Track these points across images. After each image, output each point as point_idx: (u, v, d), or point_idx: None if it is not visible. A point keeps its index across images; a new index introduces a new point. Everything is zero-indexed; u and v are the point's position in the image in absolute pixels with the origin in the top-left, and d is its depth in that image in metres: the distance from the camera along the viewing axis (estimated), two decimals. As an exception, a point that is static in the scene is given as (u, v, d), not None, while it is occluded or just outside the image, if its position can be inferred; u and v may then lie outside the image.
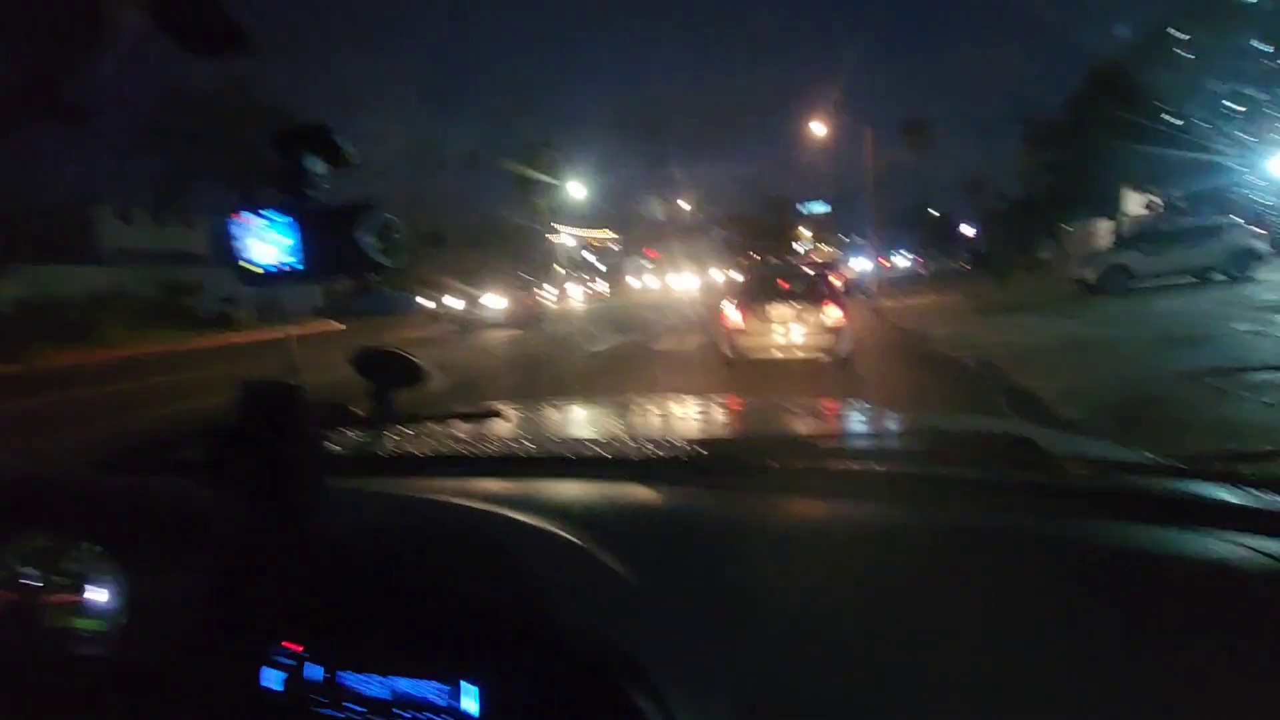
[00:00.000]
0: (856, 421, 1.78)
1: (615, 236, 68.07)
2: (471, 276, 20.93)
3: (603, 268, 65.07)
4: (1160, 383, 5.89)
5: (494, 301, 19.85)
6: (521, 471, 1.04)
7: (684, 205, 62.92)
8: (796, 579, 0.72)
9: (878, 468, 0.95)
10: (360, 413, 0.95)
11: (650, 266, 55.35)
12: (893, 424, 1.69)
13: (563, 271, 52.56)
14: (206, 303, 26.58)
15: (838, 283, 8.94)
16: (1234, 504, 0.83)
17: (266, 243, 0.69)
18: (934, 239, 54.24)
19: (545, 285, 29.40)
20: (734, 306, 7.70)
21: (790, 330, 7.46)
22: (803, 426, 1.67)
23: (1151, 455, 1.13)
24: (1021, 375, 6.68)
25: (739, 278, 11.85)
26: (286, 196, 0.69)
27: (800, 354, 7.46)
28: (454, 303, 20.82)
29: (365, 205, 0.68)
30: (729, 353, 7.78)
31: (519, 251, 45.69)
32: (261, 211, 0.70)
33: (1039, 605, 0.65)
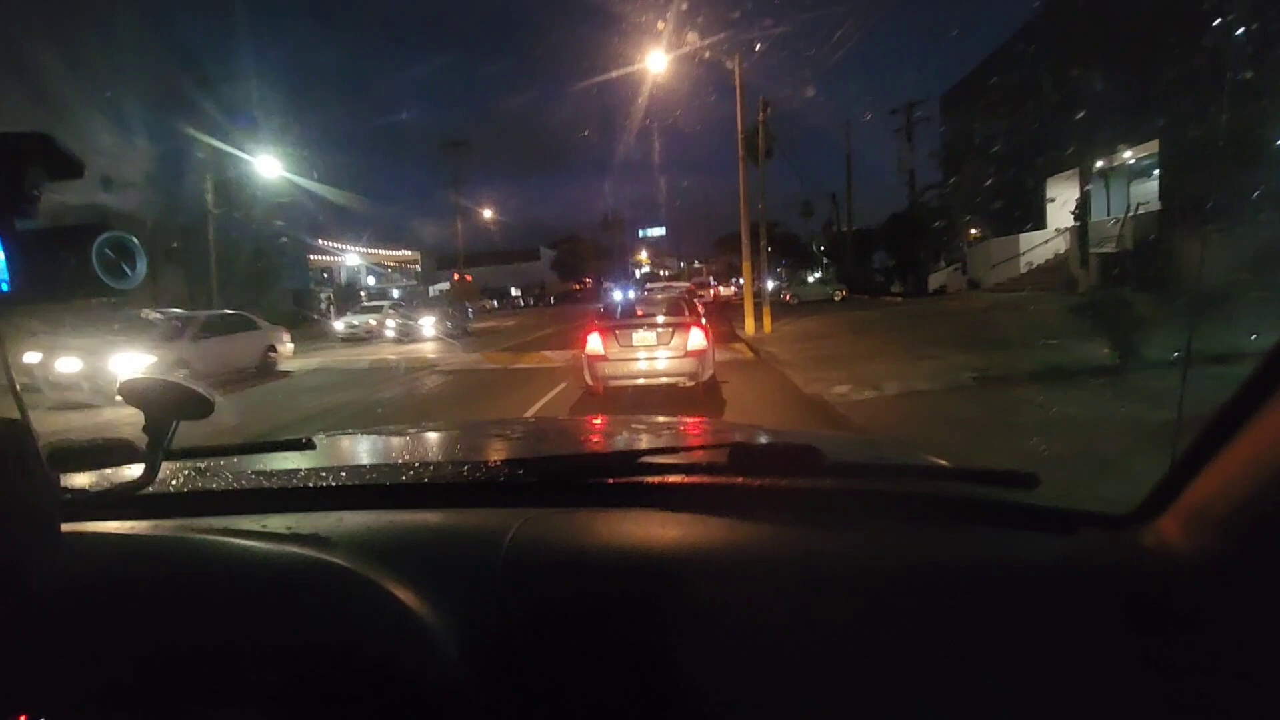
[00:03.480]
0: (663, 436, 1.83)
1: (413, 256, 54.45)
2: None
3: (395, 294, 51.41)
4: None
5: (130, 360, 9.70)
6: (308, 504, 0.99)
7: (502, 221, 51.69)
8: (586, 595, 0.74)
9: (675, 480, 0.98)
10: (138, 447, 0.87)
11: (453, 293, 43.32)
12: (697, 437, 1.76)
13: (324, 301, 38.98)
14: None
15: (700, 308, 9.06)
16: (989, 502, 0.94)
17: None
18: (798, 261, 47.29)
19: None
20: (596, 334, 7.56)
21: (653, 356, 7.37)
22: (605, 443, 1.78)
23: (933, 459, 1.29)
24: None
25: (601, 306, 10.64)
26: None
27: (662, 380, 7.43)
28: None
29: (91, 225, 0.62)
30: (590, 380, 7.65)
31: (273, 275, 32.89)
32: None
33: (814, 597, 0.72)
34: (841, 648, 0.68)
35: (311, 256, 46.73)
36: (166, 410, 0.83)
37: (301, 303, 37.31)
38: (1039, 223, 23.05)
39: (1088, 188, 19.63)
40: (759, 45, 15.76)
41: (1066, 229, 22.30)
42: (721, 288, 55.18)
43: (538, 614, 0.73)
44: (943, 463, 1.24)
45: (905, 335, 12.45)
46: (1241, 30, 13.84)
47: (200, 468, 1.15)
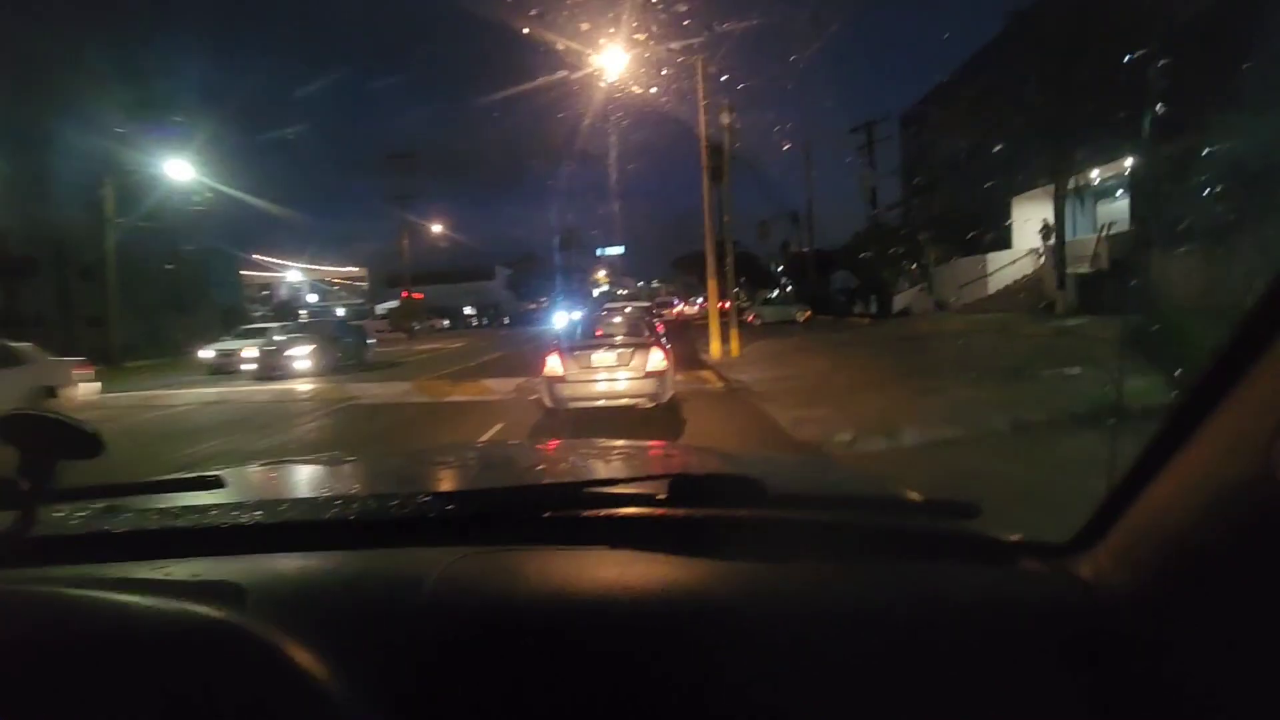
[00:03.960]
0: (606, 465, 1.79)
1: (361, 273, 51.91)
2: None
3: (340, 312, 48.75)
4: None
5: None
6: (215, 548, 0.91)
7: (458, 240, 49.84)
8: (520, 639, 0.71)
9: (615, 513, 0.95)
10: (18, 486, 0.83)
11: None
12: (642, 466, 1.73)
13: (248, 326, 36.27)
14: None
15: (659, 328, 9.02)
16: (930, 533, 0.95)
17: None
18: (755, 280, 46.51)
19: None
20: (555, 354, 7.46)
21: (612, 377, 7.27)
22: (545, 473, 1.68)
23: (884, 484, 1.39)
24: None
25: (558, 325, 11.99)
26: None
27: (622, 401, 7.27)
28: None
29: None
30: (549, 402, 7.50)
31: (196, 291, 30.22)
32: None
33: (756, 636, 0.71)
34: (781, 687, 0.68)
35: (247, 272, 44.01)
36: (46, 449, 0.79)
37: (231, 322, 34.57)
38: (1004, 243, 22.52)
39: (1062, 202, 19.03)
40: (720, 57, 14.61)
41: (1035, 249, 21.79)
42: (685, 306, 54.20)
43: (458, 668, 0.69)
44: (890, 490, 1.33)
45: (889, 362, 11.22)
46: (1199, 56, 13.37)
47: (91, 509, 1.05)
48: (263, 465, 1.80)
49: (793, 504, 1.03)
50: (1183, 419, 0.69)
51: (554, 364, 7.30)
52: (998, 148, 22.25)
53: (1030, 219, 22.27)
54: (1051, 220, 21.63)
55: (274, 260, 48.31)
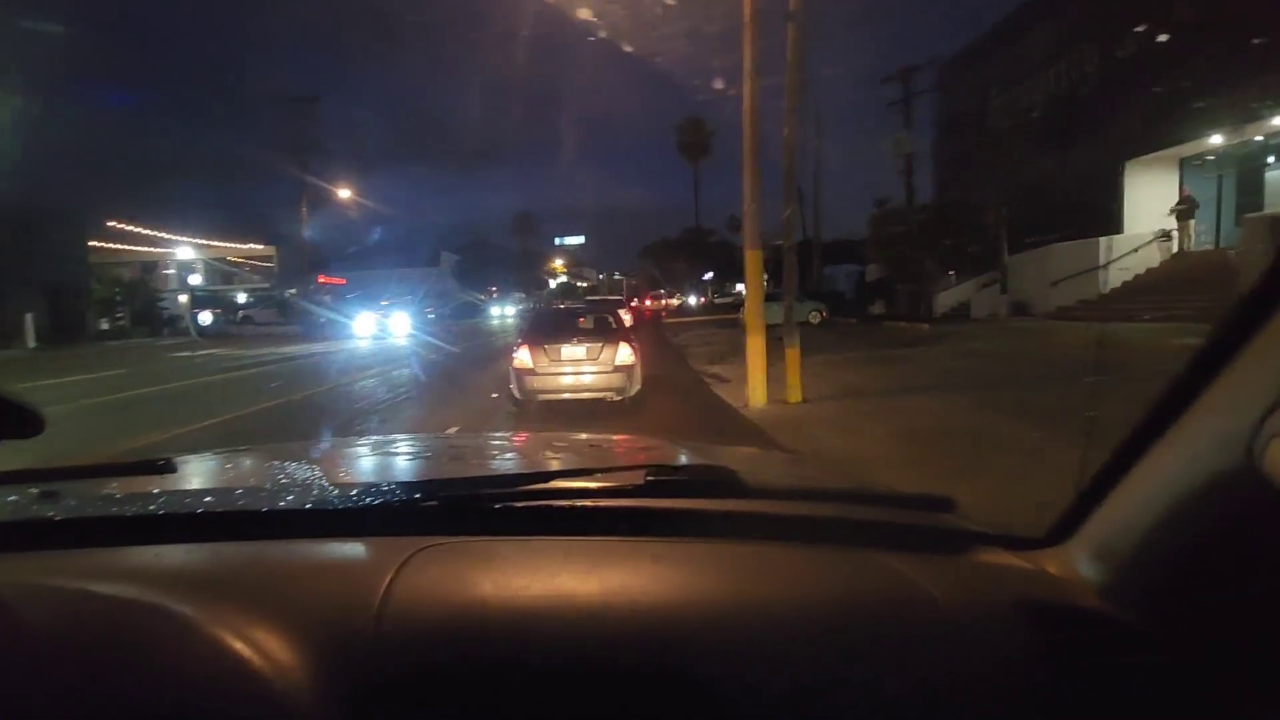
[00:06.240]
0: (577, 456, 1.73)
1: (268, 251, 43.30)
2: None
3: (242, 300, 40.32)
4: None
5: None
6: (164, 536, 0.85)
7: (398, 220, 42.11)
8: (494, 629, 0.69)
9: (586, 504, 0.93)
10: None
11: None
12: (614, 458, 1.71)
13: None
14: None
15: (628, 321, 8.94)
16: (903, 525, 0.92)
17: None
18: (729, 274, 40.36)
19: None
20: (524, 347, 7.39)
21: (580, 370, 7.24)
22: (515, 464, 1.66)
23: (858, 480, 1.40)
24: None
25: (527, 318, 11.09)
26: None
27: (589, 394, 7.28)
28: None
29: None
30: (518, 394, 7.42)
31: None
32: None
33: (729, 626, 0.70)
34: (755, 676, 0.67)
35: (114, 246, 35.18)
36: None
37: (61, 307, 26.16)
38: (1109, 223, 16.20)
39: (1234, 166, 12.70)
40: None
41: (1162, 233, 15.45)
42: (671, 299, 47.90)
43: (419, 658, 0.66)
44: (866, 485, 1.33)
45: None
46: None
47: (34, 493, 1.00)
48: (218, 452, 1.74)
49: (768, 496, 1.00)
50: (1161, 412, 0.70)
51: (523, 357, 7.25)
52: (1103, 91, 15.96)
53: (1154, 191, 15.92)
54: (1190, 192, 15.34)
55: (162, 235, 39.45)
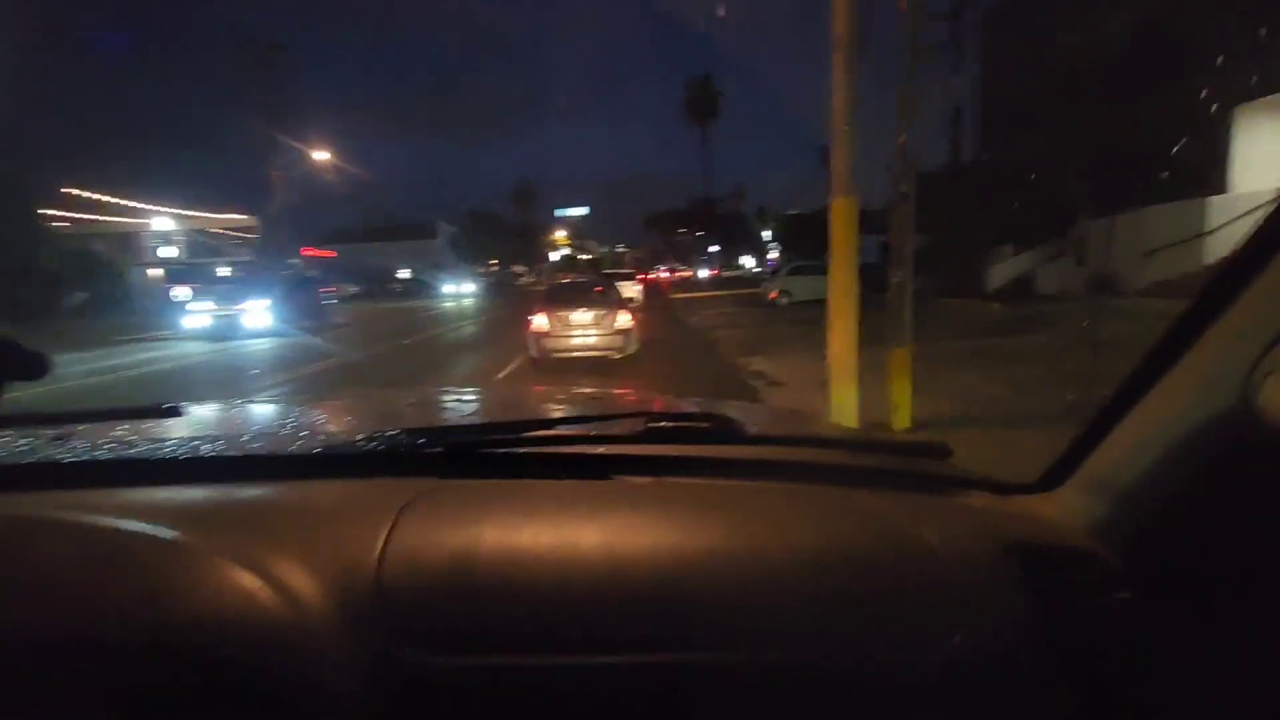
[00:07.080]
0: (579, 406, 1.71)
1: (250, 222, 40.61)
2: None
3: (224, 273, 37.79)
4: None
5: None
6: (170, 478, 0.87)
7: (395, 190, 39.41)
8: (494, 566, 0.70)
9: (589, 450, 0.95)
10: None
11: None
12: (615, 407, 1.67)
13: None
14: None
15: (640, 294, 10.90)
16: (900, 471, 0.94)
17: None
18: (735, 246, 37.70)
19: None
20: (541, 313, 8.90)
21: (587, 332, 8.76)
22: (518, 412, 1.66)
23: (851, 431, 1.42)
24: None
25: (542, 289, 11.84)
26: None
27: (595, 353, 8.72)
28: None
29: None
30: (535, 353, 8.92)
31: None
32: None
33: (732, 569, 0.71)
34: (749, 613, 0.68)
35: (77, 216, 32.54)
36: None
37: (16, 284, 23.65)
38: (1211, 182, 13.55)
39: None
40: None
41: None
42: (685, 270, 45.15)
43: (423, 596, 0.67)
44: (864, 432, 1.45)
45: None
46: None
47: (43, 435, 1.02)
48: (226, 402, 1.78)
49: (766, 442, 1.01)
50: (1158, 357, 0.71)
51: (540, 321, 8.78)
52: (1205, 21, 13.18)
53: (1272, 143, 13.23)
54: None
55: (135, 204, 36.78)
